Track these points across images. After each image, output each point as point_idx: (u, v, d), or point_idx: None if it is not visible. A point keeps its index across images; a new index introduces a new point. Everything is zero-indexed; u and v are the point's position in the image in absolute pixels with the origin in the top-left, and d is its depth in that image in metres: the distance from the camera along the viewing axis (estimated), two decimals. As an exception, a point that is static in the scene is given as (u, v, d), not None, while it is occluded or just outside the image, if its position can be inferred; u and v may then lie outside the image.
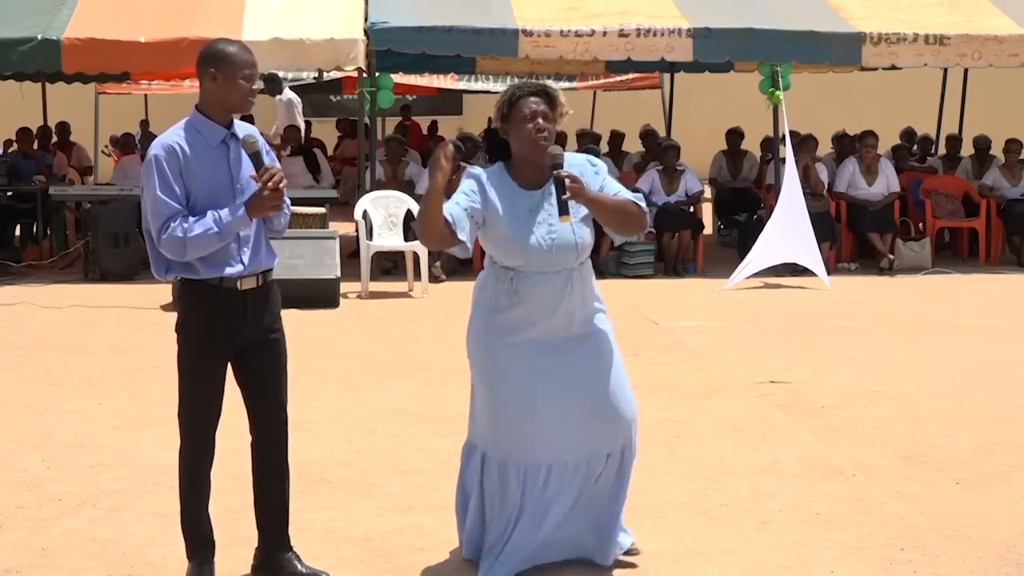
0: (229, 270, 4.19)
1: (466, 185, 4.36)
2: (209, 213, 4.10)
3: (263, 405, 4.32)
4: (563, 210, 4.18)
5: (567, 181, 4.17)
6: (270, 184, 4.10)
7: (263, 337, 4.28)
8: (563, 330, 4.37)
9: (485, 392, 4.40)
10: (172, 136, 4.19)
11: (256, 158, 4.14)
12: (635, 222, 4.38)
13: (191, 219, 4.10)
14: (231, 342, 4.23)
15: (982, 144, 14.54)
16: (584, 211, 4.32)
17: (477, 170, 4.40)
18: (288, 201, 4.33)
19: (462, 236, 4.25)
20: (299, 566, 4.40)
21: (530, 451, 4.33)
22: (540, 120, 4.26)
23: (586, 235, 4.37)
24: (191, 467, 4.29)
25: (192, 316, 4.23)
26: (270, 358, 4.31)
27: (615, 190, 4.39)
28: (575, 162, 4.35)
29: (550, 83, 4.48)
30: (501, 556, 4.38)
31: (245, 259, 4.22)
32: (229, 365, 4.29)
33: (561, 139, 14.14)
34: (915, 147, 16.32)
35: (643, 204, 4.43)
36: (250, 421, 4.36)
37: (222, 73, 4.14)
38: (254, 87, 4.21)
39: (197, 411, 4.25)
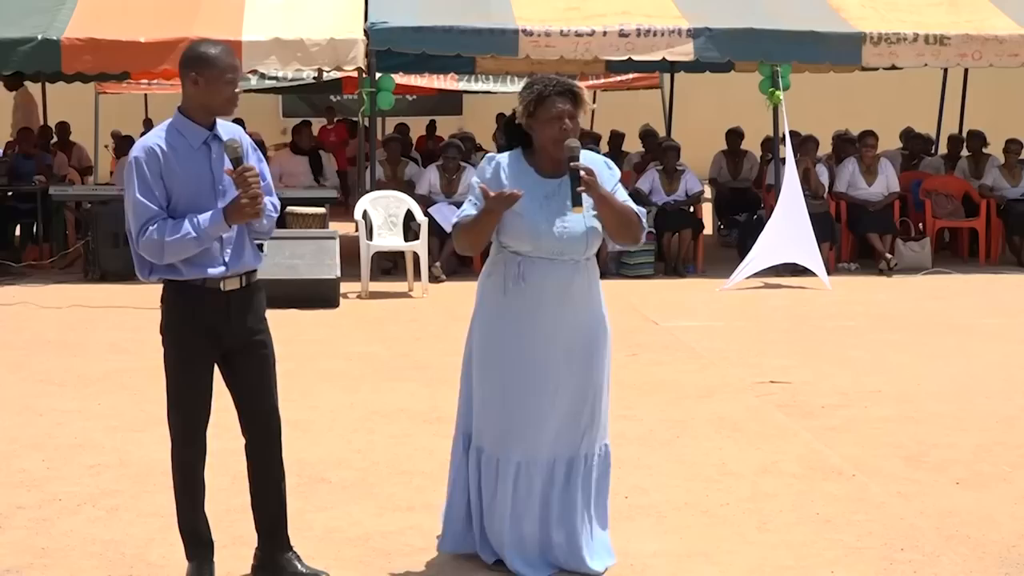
0: (211, 271, 4.18)
1: (479, 174, 4.44)
2: (188, 217, 4.09)
3: (253, 409, 4.31)
4: (576, 201, 4.25)
5: (582, 173, 4.23)
6: (245, 183, 4.07)
7: (248, 339, 4.27)
8: (565, 326, 4.40)
9: (480, 379, 4.45)
10: (153, 138, 4.18)
11: (238, 163, 4.13)
12: (633, 231, 4.46)
13: (170, 222, 4.09)
14: (215, 343, 4.22)
15: (977, 139, 14.40)
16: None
17: (497, 155, 4.48)
18: (276, 203, 4.31)
19: None
20: (299, 566, 4.39)
21: (509, 444, 4.39)
22: (567, 121, 4.33)
23: (596, 228, 4.41)
24: (184, 468, 4.28)
25: (175, 317, 4.22)
26: (256, 361, 4.29)
27: (623, 198, 4.46)
28: (594, 160, 4.41)
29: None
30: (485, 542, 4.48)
31: (227, 259, 4.20)
32: (217, 366, 4.27)
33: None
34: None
35: (644, 219, 4.50)
36: (241, 425, 4.35)
37: (203, 77, 4.13)
38: (237, 90, 4.20)
39: (186, 412, 4.24)
